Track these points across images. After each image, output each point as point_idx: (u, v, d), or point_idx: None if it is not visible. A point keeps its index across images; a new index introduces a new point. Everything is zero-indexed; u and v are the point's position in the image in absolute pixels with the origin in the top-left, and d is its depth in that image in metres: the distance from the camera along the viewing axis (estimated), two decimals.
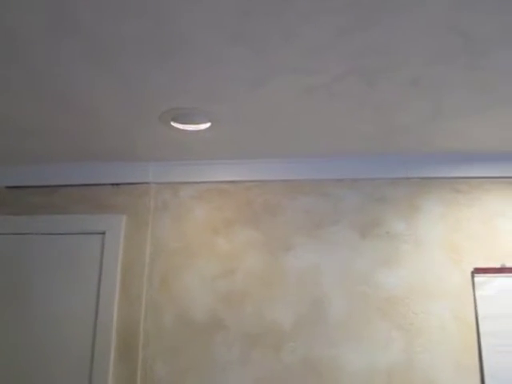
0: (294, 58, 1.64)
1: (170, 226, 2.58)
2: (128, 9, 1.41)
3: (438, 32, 1.50)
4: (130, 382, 2.36)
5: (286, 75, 1.76)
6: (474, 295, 2.31)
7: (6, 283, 2.57)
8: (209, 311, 2.44)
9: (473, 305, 2.30)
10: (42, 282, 2.55)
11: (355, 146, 2.39)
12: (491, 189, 2.45)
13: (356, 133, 2.24)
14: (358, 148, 2.41)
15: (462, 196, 2.46)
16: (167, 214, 2.60)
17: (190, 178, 2.61)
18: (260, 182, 2.58)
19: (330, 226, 2.49)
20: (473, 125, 2.13)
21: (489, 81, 1.77)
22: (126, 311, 2.46)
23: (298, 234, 2.49)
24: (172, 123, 2.14)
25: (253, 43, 1.57)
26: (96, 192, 2.65)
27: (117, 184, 2.65)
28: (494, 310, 2.27)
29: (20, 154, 2.54)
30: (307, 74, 1.75)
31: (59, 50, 1.60)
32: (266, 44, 1.57)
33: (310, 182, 2.55)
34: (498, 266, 2.33)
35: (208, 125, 2.15)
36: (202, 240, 2.53)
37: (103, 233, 2.56)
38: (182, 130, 2.21)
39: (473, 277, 2.33)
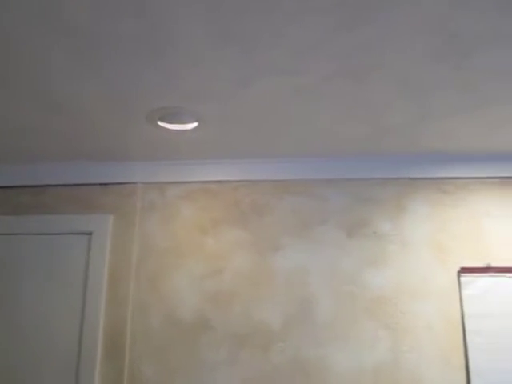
0: (281, 58, 1.64)
1: (157, 226, 2.57)
2: (116, 9, 1.40)
3: (425, 32, 1.51)
4: (116, 382, 2.35)
5: (273, 75, 1.76)
6: (460, 295, 2.33)
7: None
8: (197, 311, 2.43)
9: (459, 304, 2.32)
10: (29, 281, 2.54)
11: (342, 147, 2.40)
12: (477, 189, 2.47)
13: (343, 133, 2.24)
14: (345, 148, 2.41)
15: (447, 196, 2.48)
16: (154, 214, 2.59)
17: (178, 178, 2.61)
18: (247, 182, 2.58)
19: (318, 226, 2.49)
20: (459, 125, 2.15)
21: (475, 81, 1.79)
22: (113, 311, 2.45)
23: (286, 233, 2.49)
24: (159, 123, 2.13)
25: (240, 43, 1.57)
26: (84, 192, 2.64)
27: (105, 184, 2.63)
28: (479, 310, 2.29)
29: (8, 154, 2.51)
30: (295, 75, 1.75)
31: (49, 49, 1.59)
32: (254, 44, 1.57)
33: (298, 182, 2.56)
34: (483, 265, 2.35)
35: (195, 124, 2.15)
36: (190, 240, 2.53)
37: (90, 233, 2.55)
38: (169, 130, 2.20)
39: (459, 276, 2.35)
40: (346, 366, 2.30)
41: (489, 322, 2.27)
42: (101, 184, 2.64)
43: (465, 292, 2.32)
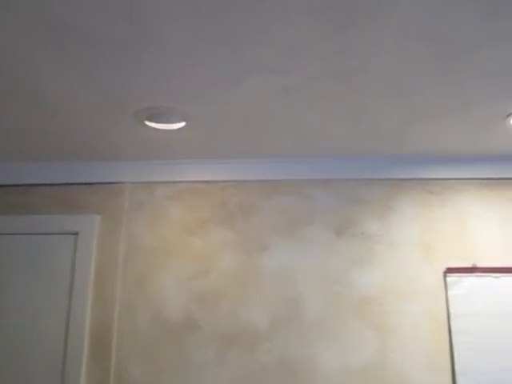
0: (269, 57, 1.64)
1: (144, 226, 2.56)
2: (103, 9, 1.40)
3: (411, 35, 1.52)
4: (103, 382, 2.34)
5: (261, 75, 1.76)
6: (446, 295, 2.34)
7: None
8: (184, 311, 2.43)
9: (445, 304, 2.34)
10: (15, 281, 2.52)
11: (330, 147, 2.40)
12: (463, 190, 2.49)
13: (331, 134, 2.25)
14: (333, 149, 2.42)
15: (434, 197, 2.49)
16: (142, 213, 2.58)
17: (165, 178, 2.60)
18: (235, 182, 2.58)
19: (305, 226, 2.50)
20: (445, 127, 2.16)
21: (461, 83, 1.80)
22: (100, 311, 2.44)
23: (273, 233, 2.50)
24: (146, 122, 2.12)
25: (228, 42, 1.56)
26: (71, 192, 2.62)
27: (92, 184, 2.62)
28: (465, 309, 2.30)
29: None
30: (282, 74, 1.75)
31: (36, 49, 1.58)
32: (241, 43, 1.57)
33: (285, 182, 2.56)
34: (469, 265, 2.37)
35: (182, 124, 2.14)
36: (177, 240, 2.52)
37: (76, 233, 2.54)
38: (157, 130, 2.19)
39: (445, 276, 2.37)
40: (333, 366, 2.30)
41: (475, 322, 2.28)
42: (88, 184, 2.63)
43: (451, 292, 2.33)
